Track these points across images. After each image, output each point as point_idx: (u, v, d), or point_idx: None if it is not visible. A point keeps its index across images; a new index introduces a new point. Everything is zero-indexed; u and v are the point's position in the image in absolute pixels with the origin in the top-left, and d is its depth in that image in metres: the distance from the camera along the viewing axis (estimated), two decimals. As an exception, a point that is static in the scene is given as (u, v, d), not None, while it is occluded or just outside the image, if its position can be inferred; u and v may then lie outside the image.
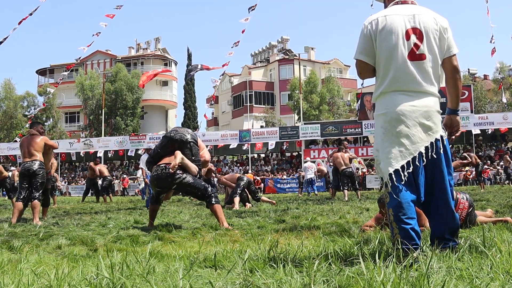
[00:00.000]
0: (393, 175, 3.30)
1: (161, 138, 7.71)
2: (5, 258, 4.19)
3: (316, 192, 22.18)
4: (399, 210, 3.26)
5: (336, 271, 2.76)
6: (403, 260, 2.88)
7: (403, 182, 3.29)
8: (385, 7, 3.68)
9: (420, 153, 3.34)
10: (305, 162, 24.79)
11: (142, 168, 14.64)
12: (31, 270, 3.36)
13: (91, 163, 19.44)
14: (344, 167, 15.71)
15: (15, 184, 24.01)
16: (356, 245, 3.94)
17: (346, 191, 15.73)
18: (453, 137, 3.65)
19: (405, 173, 3.29)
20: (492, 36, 22.86)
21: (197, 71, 30.13)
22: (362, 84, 36.72)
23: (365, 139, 33.91)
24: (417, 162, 3.33)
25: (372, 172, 29.75)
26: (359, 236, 4.92)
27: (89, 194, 20.57)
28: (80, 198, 27.16)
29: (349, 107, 53.42)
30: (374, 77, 3.62)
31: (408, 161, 3.32)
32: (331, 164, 17.39)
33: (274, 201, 13.57)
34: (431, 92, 3.42)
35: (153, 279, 2.79)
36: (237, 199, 12.41)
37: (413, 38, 3.39)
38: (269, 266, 3.13)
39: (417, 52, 3.39)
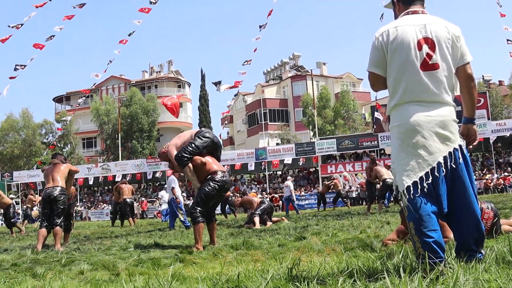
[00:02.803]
0: (411, 188, 3.23)
1: (199, 136, 7.59)
2: (29, 285, 4.21)
3: (298, 211, 21.71)
4: (420, 223, 3.19)
5: (361, 287, 2.73)
6: (429, 273, 2.83)
7: (419, 194, 3.21)
8: (396, 18, 3.67)
9: (439, 164, 3.27)
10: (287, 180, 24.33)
11: (174, 187, 14.61)
12: (55, 298, 3.36)
13: (119, 184, 19.26)
14: (386, 176, 15.54)
15: (34, 208, 24.26)
16: (379, 260, 3.90)
17: (382, 204, 15.76)
18: (471, 146, 3.60)
19: (425, 185, 3.22)
20: (508, 40, 22.60)
21: (222, 86, 30.32)
22: (376, 97, 36.65)
23: (382, 151, 33.69)
24: (436, 173, 3.26)
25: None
26: (381, 250, 4.87)
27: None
28: (99, 222, 27.30)
29: (364, 120, 53.25)
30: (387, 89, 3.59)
31: (427, 172, 3.25)
32: (368, 179, 17.19)
33: (281, 218, 13.50)
34: (446, 102, 3.38)
35: (177, 302, 2.78)
36: (257, 219, 12.37)
37: (425, 48, 3.35)
38: (292, 284, 3.10)
39: (430, 62, 3.35)
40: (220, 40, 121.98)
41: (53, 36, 20.35)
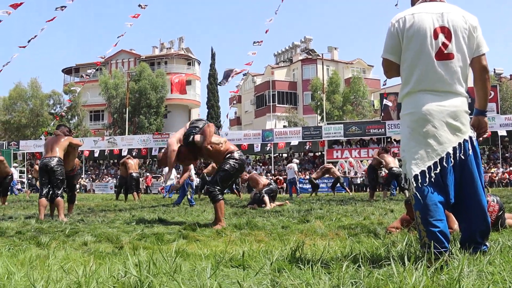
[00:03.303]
0: (419, 176, 3.23)
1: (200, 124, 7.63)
2: (33, 254, 4.24)
3: (299, 194, 21.50)
4: (426, 212, 3.19)
5: (365, 273, 2.72)
6: (434, 263, 2.83)
7: (427, 184, 3.21)
8: (412, 4, 3.63)
9: (448, 154, 3.26)
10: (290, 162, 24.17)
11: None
12: (59, 266, 3.38)
13: (125, 159, 19.31)
14: (393, 165, 15.59)
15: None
16: (383, 247, 3.90)
17: (386, 192, 15.81)
18: (481, 138, 3.58)
19: (432, 174, 3.22)
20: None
21: (233, 75, 30.20)
22: (384, 84, 36.43)
23: (389, 139, 33.58)
24: (444, 163, 3.25)
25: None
26: (385, 237, 4.87)
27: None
28: (104, 195, 27.44)
29: (373, 107, 53.06)
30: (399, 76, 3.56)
31: (435, 162, 3.24)
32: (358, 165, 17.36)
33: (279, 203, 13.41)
34: (458, 92, 3.36)
35: (180, 278, 2.79)
36: (267, 199, 12.40)
37: (441, 37, 3.32)
38: (296, 266, 3.11)
39: (445, 51, 3.32)
40: (232, 20, 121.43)
41: (64, 7, 20.31)
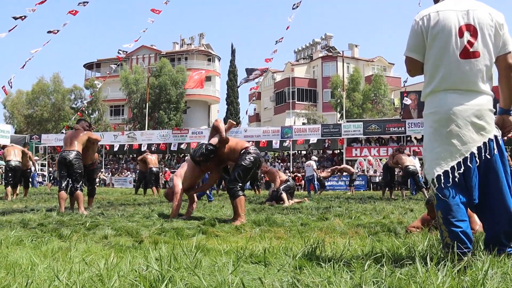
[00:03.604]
0: (441, 176, 3.18)
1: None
2: (55, 246, 4.28)
3: (317, 191, 21.21)
4: (448, 212, 3.15)
5: (387, 272, 2.70)
6: (457, 263, 2.79)
7: (450, 184, 3.17)
8: (436, 1, 3.56)
9: (472, 154, 3.21)
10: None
11: None
12: (81, 259, 3.41)
13: (145, 155, 19.44)
14: (408, 163, 15.55)
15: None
16: (404, 247, 3.87)
17: (404, 190, 15.76)
18: (505, 137, 3.52)
19: (456, 175, 3.17)
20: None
21: (253, 77, 30.17)
22: (405, 82, 36.15)
23: (408, 138, 33.33)
24: (469, 163, 3.20)
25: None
26: (406, 237, 4.83)
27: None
28: (123, 189, 27.66)
29: (393, 105, 52.69)
30: (423, 75, 3.51)
31: (459, 162, 3.19)
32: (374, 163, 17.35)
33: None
34: (483, 91, 3.29)
35: (201, 273, 2.79)
36: (285, 196, 12.42)
37: (467, 35, 3.26)
38: (316, 264, 3.10)
39: (470, 50, 3.26)
40: (252, 16, 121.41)
41: (87, 2, 20.44)
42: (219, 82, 64.50)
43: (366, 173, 31.30)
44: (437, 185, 3.20)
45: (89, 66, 65.27)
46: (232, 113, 61.06)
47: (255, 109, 68.72)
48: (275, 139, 35.43)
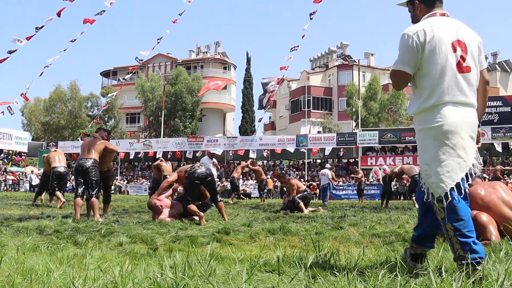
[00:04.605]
0: (454, 189, 3.20)
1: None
2: (71, 252, 4.32)
3: (326, 201, 20.96)
4: (460, 223, 3.16)
5: (401, 282, 2.69)
6: (472, 273, 2.78)
7: (462, 196, 3.20)
8: (415, 18, 3.66)
9: (473, 165, 3.33)
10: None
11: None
12: (96, 266, 3.44)
13: (159, 162, 19.49)
14: (415, 173, 15.52)
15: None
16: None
17: (414, 199, 15.62)
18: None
19: (466, 185, 3.23)
20: None
21: (274, 89, 30.18)
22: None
23: (425, 147, 33.07)
24: (472, 172, 3.32)
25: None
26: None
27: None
28: (138, 197, 27.78)
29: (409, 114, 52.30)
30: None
31: (466, 174, 3.26)
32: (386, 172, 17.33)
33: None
34: (474, 105, 3.41)
35: (215, 281, 2.80)
36: (302, 205, 12.44)
37: (459, 51, 3.37)
38: (330, 273, 3.09)
39: (463, 65, 3.36)
40: (268, 25, 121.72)
41: (104, 11, 20.64)
42: (235, 91, 64.66)
43: (381, 182, 31.10)
44: (449, 198, 3.19)
45: (105, 74, 65.84)
46: (248, 121, 61.13)
47: (270, 118, 68.73)
48: (290, 147, 35.35)
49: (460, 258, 3.10)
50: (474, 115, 3.39)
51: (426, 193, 3.35)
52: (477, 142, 3.51)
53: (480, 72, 3.51)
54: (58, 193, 13.75)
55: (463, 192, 3.21)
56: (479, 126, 3.54)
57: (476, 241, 3.14)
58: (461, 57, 3.36)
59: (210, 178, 9.25)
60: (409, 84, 3.61)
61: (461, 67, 3.35)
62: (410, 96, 3.61)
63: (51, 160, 14.40)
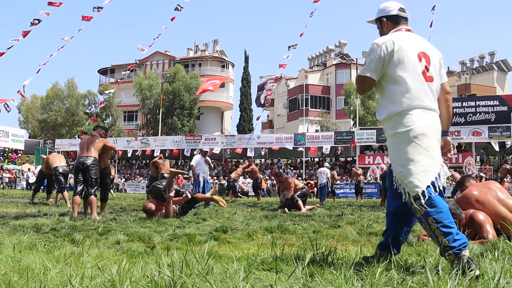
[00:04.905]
0: (430, 187, 3.38)
1: None
2: (68, 250, 4.31)
3: (324, 199, 20.95)
4: (441, 216, 3.30)
5: (398, 280, 2.69)
6: (458, 263, 2.92)
7: (438, 192, 3.40)
8: (383, 35, 3.90)
9: (442, 165, 3.55)
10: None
11: (192, 165, 15.14)
12: (93, 264, 3.43)
13: (156, 159, 19.45)
14: None
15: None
16: (416, 255, 3.85)
17: None
18: (445, 157, 3.77)
19: (440, 183, 3.43)
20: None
21: (271, 87, 30.20)
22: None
23: (422, 146, 33.07)
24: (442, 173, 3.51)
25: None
26: (417, 245, 4.81)
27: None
28: (135, 195, 27.77)
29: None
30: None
31: (439, 172, 3.47)
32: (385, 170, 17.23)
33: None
34: (438, 111, 3.68)
35: (213, 279, 2.80)
36: (301, 203, 12.45)
37: (424, 61, 3.64)
38: (328, 272, 3.09)
39: (427, 74, 3.63)
40: (266, 24, 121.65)
41: (101, 8, 20.61)
42: (233, 89, 64.60)
43: (379, 180, 31.12)
44: (427, 196, 3.35)
45: (103, 72, 65.70)
46: (245, 119, 61.14)
47: (268, 116, 68.72)
48: (288, 146, 35.34)
49: (446, 249, 3.21)
50: (439, 120, 3.65)
51: (403, 194, 3.49)
52: (444, 152, 3.75)
53: (442, 85, 3.79)
54: (66, 195, 13.75)
55: (437, 189, 3.40)
56: (447, 135, 3.80)
57: (458, 231, 3.28)
58: (426, 67, 3.63)
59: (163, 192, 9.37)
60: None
61: (426, 76, 3.61)
62: (378, 102, 3.84)
63: (51, 161, 14.42)
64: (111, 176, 22.02)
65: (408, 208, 3.53)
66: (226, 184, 21.43)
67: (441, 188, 3.43)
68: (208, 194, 10.98)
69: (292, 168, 37.40)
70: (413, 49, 3.64)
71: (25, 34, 18.90)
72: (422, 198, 3.34)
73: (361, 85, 3.80)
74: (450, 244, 3.18)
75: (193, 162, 15.32)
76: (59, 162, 14.31)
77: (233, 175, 21.43)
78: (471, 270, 2.92)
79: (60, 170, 13.95)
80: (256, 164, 25.01)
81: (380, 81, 3.70)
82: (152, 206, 9.02)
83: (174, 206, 9.32)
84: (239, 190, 27.53)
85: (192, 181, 16.89)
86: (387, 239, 3.83)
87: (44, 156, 15.48)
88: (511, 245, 4.08)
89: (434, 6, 23.38)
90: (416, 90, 3.54)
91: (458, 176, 17.51)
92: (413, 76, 3.57)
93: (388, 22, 3.94)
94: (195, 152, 37.48)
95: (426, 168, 3.43)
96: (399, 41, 3.64)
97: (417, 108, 3.52)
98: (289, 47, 27.76)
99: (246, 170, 20.91)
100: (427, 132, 3.49)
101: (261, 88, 35.28)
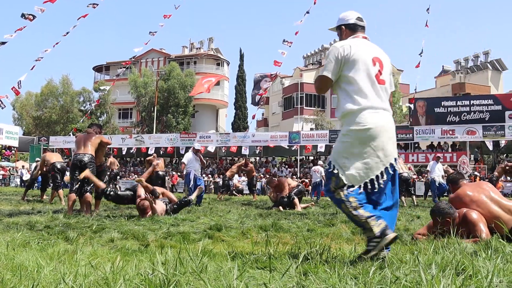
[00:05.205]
0: (368, 184, 3.77)
1: None
2: (61, 248, 4.30)
3: (319, 197, 20.97)
4: (358, 202, 3.74)
5: (392, 279, 2.70)
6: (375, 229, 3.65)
7: (377, 189, 3.79)
8: (342, 39, 4.22)
9: (391, 164, 3.87)
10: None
11: (183, 163, 15.20)
12: (87, 262, 3.43)
13: (151, 158, 19.41)
14: (401, 171, 15.48)
15: (66, 174, 24.52)
16: (409, 253, 3.86)
17: (403, 198, 15.51)
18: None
19: (381, 181, 3.80)
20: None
21: (267, 86, 30.15)
22: (415, 89, 36.07)
23: (416, 145, 33.18)
24: (390, 171, 3.86)
25: (422, 179, 29.12)
26: (411, 244, 4.82)
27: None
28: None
29: (401, 112, 52.55)
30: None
31: (381, 171, 3.81)
32: None
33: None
34: (391, 111, 4.01)
35: (207, 277, 2.80)
36: (297, 201, 12.48)
37: (378, 66, 3.97)
38: (322, 270, 3.10)
39: (380, 77, 3.96)
40: (261, 22, 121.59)
41: (97, 4, 20.55)
42: (228, 87, 64.56)
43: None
44: (351, 190, 3.78)
45: (98, 69, 65.52)
46: (240, 117, 61.11)
47: (263, 114, 68.70)
48: (283, 144, 35.32)
49: (363, 225, 3.71)
50: (391, 119, 3.98)
51: (336, 177, 3.84)
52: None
53: (391, 94, 4.11)
54: (61, 192, 13.70)
55: (376, 186, 3.78)
56: None
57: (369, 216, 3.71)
58: (379, 71, 3.95)
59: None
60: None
61: (379, 79, 3.93)
62: (337, 101, 4.12)
63: (48, 157, 14.42)
64: (116, 170, 22.04)
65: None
66: (221, 182, 21.45)
67: (381, 186, 3.81)
68: (195, 194, 10.99)
69: (286, 166, 37.41)
70: (368, 54, 3.96)
71: (20, 29, 18.81)
72: (346, 189, 3.78)
73: (319, 84, 4.10)
74: (365, 221, 3.67)
75: (184, 159, 15.36)
76: (56, 158, 14.31)
77: (228, 173, 21.44)
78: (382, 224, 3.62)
79: (58, 166, 13.89)
80: (251, 162, 24.99)
81: (337, 82, 3.99)
82: (147, 204, 8.99)
83: (165, 204, 9.30)
84: (233, 188, 27.52)
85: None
86: None
87: (43, 155, 15.52)
88: (505, 244, 4.09)
89: (429, 7, 23.47)
90: (369, 91, 3.85)
91: (450, 171, 17.52)
92: (367, 78, 3.87)
93: (346, 30, 4.25)
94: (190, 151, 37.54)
95: (370, 167, 3.78)
96: (355, 46, 3.96)
97: (370, 108, 3.82)
98: (283, 41, 27.74)
99: (244, 169, 20.89)
100: (378, 132, 3.79)
101: (257, 87, 35.19)
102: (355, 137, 3.82)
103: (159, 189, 9.55)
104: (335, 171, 3.86)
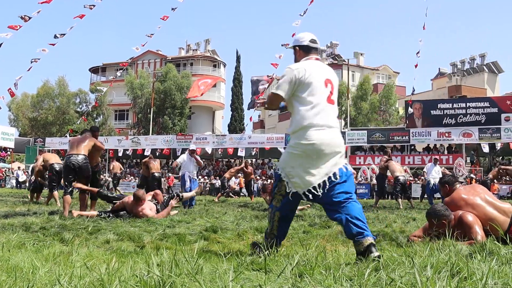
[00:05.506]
0: (311, 190, 4.13)
1: None
2: (57, 250, 4.30)
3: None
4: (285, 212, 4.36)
5: (387, 281, 2.70)
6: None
7: (320, 196, 4.15)
8: (296, 61, 4.56)
9: (335, 173, 4.20)
10: None
11: (175, 162, 15.27)
12: (82, 263, 3.42)
13: (147, 159, 19.37)
14: (399, 173, 15.48)
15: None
16: (405, 255, 3.86)
17: (400, 200, 15.48)
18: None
19: (321, 190, 4.13)
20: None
21: (264, 87, 30.16)
22: (412, 92, 36.13)
23: (412, 147, 33.23)
24: (333, 178, 4.18)
25: (418, 181, 29.15)
26: (407, 246, 4.83)
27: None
28: (126, 194, 27.63)
29: (398, 114, 52.65)
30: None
31: (324, 181, 4.15)
32: (378, 171, 17.25)
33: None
34: (338, 127, 4.42)
35: (202, 279, 2.80)
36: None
37: (329, 87, 4.35)
38: (317, 272, 3.10)
39: (331, 97, 4.34)
40: (258, 23, 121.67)
41: (94, 5, 20.50)
42: (224, 88, 64.55)
43: (369, 181, 31.20)
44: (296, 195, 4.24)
45: (94, 70, 65.42)
46: (237, 119, 61.09)
47: (259, 116, 68.71)
48: (280, 146, 35.33)
49: (270, 236, 4.30)
50: (339, 135, 4.35)
51: (281, 183, 4.32)
52: None
53: None
54: (56, 194, 13.66)
55: (318, 193, 4.14)
56: None
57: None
58: (330, 92, 4.34)
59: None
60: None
61: (330, 99, 4.32)
62: (290, 118, 4.48)
63: (47, 157, 14.41)
64: (118, 174, 21.98)
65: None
66: (220, 184, 21.49)
67: (319, 192, 4.15)
68: (192, 192, 11.02)
69: (283, 168, 37.35)
70: (321, 76, 4.32)
71: (16, 28, 18.71)
72: (290, 196, 4.26)
73: (271, 100, 4.52)
74: (275, 234, 4.33)
75: (178, 160, 15.41)
76: (54, 159, 14.29)
77: (227, 175, 21.47)
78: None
79: (57, 168, 13.84)
80: (250, 165, 25.02)
81: (291, 100, 4.35)
82: (142, 192, 8.98)
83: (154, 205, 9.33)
84: (230, 189, 27.53)
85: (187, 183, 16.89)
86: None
87: (41, 155, 15.53)
88: (500, 246, 4.10)
89: (427, 11, 23.56)
90: (319, 110, 4.22)
91: (447, 172, 17.55)
92: (318, 99, 4.24)
93: (300, 51, 4.56)
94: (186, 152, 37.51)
95: (314, 176, 4.16)
96: (309, 69, 4.29)
97: (317, 126, 4.20)
98: (282, 44, 27.79)
99: (245, 170, 20.94)
100: (322, 147, 4.15)
101: (255, 91, 35.14)
102: (302, 150, 4.21)
103: (148, 194, 9.59)
104: (283, 178, 4.31)
